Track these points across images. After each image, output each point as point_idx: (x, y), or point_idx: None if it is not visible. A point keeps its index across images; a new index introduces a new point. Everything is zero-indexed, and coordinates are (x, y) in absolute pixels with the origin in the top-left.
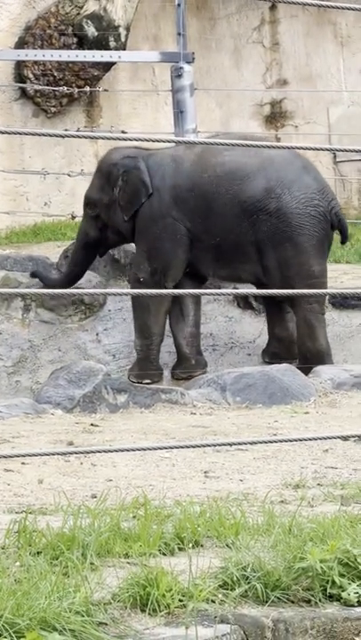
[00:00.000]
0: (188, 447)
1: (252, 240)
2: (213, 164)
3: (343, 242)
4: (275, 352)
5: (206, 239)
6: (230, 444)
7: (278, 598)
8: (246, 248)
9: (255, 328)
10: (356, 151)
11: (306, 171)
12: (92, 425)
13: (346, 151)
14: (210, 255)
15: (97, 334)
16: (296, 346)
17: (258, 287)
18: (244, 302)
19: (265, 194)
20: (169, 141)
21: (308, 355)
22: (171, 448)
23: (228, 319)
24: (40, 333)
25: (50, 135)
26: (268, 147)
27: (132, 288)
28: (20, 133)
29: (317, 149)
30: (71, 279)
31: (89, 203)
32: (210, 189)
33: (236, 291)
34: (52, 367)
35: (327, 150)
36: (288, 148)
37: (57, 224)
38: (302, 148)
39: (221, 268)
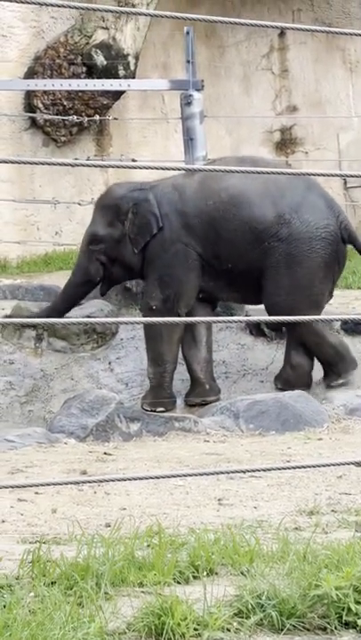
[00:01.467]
0: (201, 475)
1: (264, 265)
2: (217, 190)
3: (343, 260)
4: (287, 379)
5: (217, 264)
6: (244, 472)
7: (294, 626)
8: (258, 273)
9: (267, 355)
10: None
11: (310, 190)
12: (105, 454)
13: (356, 177)
14: (222, 280)
15: (109, 363)
16: (310, 373)
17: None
18: (256, 329)
19: (275, 220)
20: (180, 169)
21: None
22: (184, 476)
23: (240, 346)
24: (52, 363)
25: (60, 164)
26: (280, 173)
27: (144, 317)
28: (31, 163)
29: (328, 175)
30: (57, 314)
31: (94, 239)
32: (216, 215)
33: (248, 318)
34: (65, 396)
35: (337, 176)
36: (299, 174)
37: (68, 253)
38: (313, 174)
39: (234, 292)
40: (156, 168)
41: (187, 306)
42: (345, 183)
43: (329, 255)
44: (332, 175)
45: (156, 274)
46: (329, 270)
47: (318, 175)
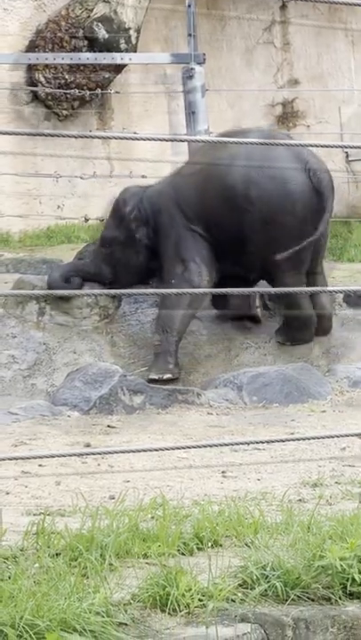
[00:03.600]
0: (205, 447)
1: (246, 233)
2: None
3: (320, 207)
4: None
5: (220, 244)
6: (247, 444)
7: (298, 597)
8: (246, 241)
9: (270, 328)
10: None
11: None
12: (108, 426)
13: (358, 148)
14: (228, 259)
15: (112, 336)
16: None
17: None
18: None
19: (246, 185)
20: (182, 140)
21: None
22: (188, 448)
23: (224, 338)
24: (55, 336)
25: (62, 136)
26: (282, 144)
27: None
28: (33, 134)
29: (330, 147)
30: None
31: (104, 243)
32: (206, 195)
33: (255, 289)
34: (68, 370)
35: (339, 147)
36: (302, 145)
37: (70, 227)
38: (314, 146)
39: (238, 267)
40: (159, 139)
41: (208, 283)
42: (347, 156)
43: (301, 208)
44: (334, 147)
45: (171, 273)
46: (305, 222)
47: (320, 147)
